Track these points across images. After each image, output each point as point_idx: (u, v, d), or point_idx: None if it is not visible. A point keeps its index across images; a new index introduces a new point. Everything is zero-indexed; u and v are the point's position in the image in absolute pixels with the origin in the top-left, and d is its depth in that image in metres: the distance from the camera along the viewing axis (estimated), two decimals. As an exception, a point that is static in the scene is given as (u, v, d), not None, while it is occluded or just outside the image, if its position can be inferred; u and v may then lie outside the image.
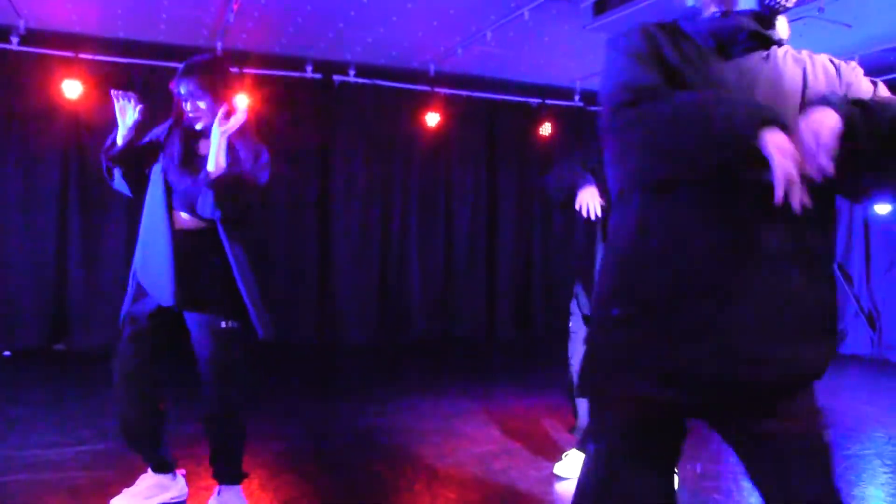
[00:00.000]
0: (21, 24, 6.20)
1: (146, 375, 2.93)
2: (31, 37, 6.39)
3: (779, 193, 1.32)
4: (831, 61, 1.70)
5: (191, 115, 2.93)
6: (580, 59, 6.84)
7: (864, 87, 1.66)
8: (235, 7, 5.77)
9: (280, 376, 6.11)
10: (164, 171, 2.94)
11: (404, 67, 7.43)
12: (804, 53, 1.69)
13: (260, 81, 7.12)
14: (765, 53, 1.62)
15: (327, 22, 6.25)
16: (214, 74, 2.95)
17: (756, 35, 1.59)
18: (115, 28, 6.32)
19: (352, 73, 7.46)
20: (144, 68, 6.74)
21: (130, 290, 2.99)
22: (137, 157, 2.97)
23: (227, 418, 2.96)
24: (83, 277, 6.71)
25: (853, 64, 1.75)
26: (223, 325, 2.92)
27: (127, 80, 6.64)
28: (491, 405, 5.13)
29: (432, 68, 7.36)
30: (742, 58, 1.60)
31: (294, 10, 5.99)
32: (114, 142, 2.91)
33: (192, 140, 3.00)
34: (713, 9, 1.63)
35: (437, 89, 7.62)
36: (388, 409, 4.94)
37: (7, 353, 6.51)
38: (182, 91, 2.90)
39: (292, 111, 7.28)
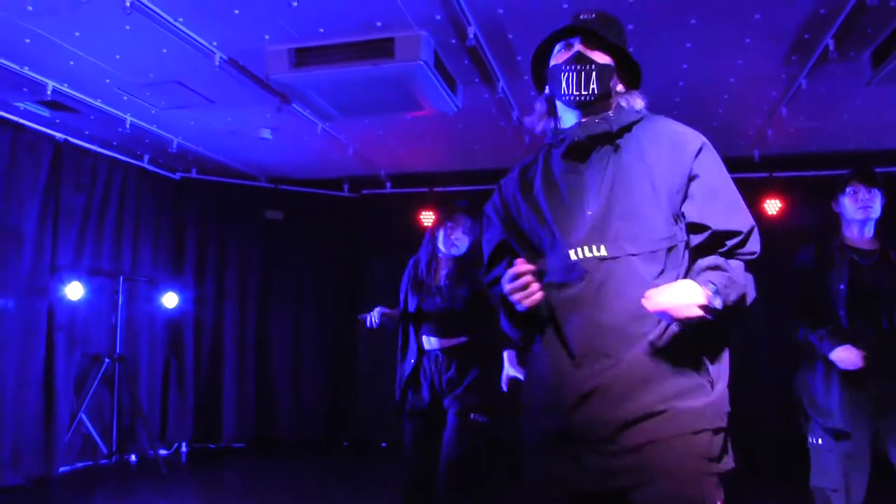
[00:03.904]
0: (382, 172, 7.67)
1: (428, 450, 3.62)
2: (391, 180, 7.86)
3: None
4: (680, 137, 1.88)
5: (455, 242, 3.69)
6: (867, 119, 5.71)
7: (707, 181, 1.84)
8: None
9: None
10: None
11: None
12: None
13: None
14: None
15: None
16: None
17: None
18: (452, 163, 7.34)
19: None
20: (478, 193, 7.67)
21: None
22: None
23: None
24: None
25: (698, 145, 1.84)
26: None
27: (472, 206, 7.61)
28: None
29: (757, 153, 6.71)
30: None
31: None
32: None
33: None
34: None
35: (775, 174, 6.97)
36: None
37: (383, 444, 7.79)
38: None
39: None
